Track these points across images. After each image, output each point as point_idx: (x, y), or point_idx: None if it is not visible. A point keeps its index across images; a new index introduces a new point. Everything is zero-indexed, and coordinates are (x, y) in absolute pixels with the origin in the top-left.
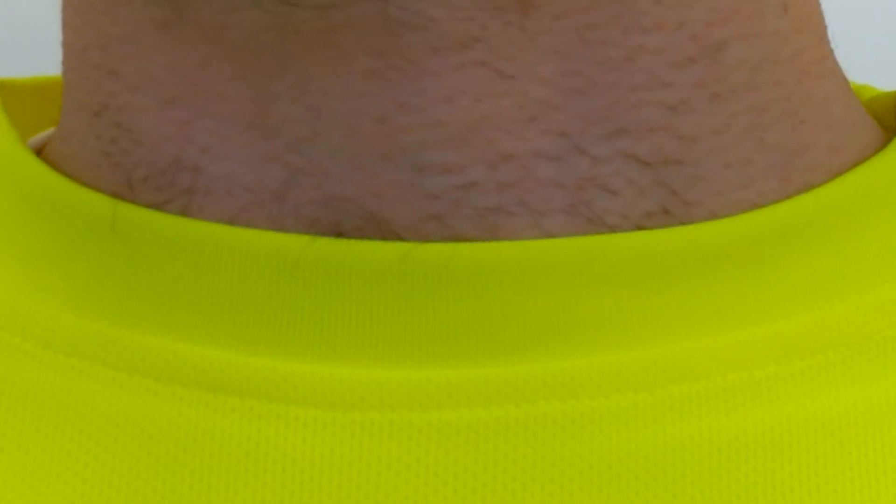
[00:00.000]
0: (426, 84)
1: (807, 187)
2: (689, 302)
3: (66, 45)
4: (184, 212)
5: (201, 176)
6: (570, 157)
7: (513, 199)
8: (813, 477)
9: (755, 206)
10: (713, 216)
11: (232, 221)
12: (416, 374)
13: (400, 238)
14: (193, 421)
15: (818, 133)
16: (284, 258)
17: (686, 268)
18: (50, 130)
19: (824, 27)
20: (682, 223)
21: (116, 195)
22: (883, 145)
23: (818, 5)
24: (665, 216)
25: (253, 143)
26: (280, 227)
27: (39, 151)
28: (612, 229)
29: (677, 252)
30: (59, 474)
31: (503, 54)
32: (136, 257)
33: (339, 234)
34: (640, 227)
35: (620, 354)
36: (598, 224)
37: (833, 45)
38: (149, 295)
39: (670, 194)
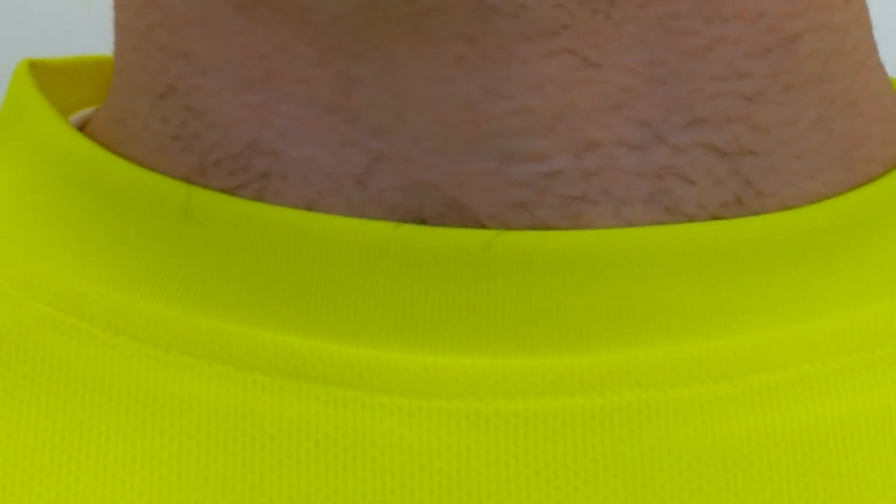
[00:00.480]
0: (515, 71)
1: (867, 179)
2: (764, 292)
3: (123, 26)
4: (258, 197)
5: (278, 160)
6: (651, 146)
7: (596, 187)
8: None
9: (822, 196)
10: (784, 206)
11: (310, 207)
12: (501, 362)
13: (482, 225)
14: (277, 409)
15: (874, 125)
16: (368, 245)
17: (761, 258)
18: (85, 111)
19: (870, 20)
20: (755, 213)
21: (185, 179)
22: None
23: None
24: (739, 206)
25: (333, 128)
26: (360, 214)
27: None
28: (690, 219)
29: (753, 242)
30: (140, 461)
31: (590, 42)
32: (211, 242)
33: (420, 220)
34: (715, 217)
35: (701, 344)
36: (675, 213)
37: None
38: (224, 281)
39: (745, 184)
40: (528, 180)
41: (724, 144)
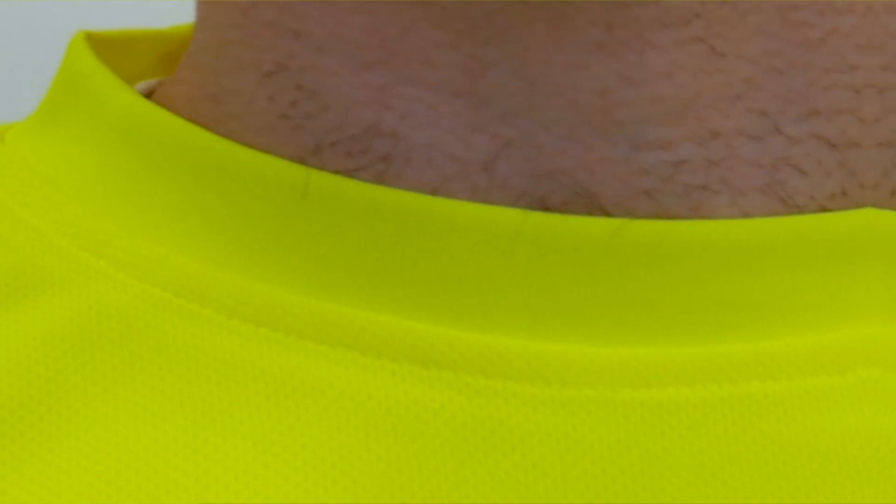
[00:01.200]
0: (649, 58)
1: None
2: (877, 285)
3: (219, 2)
4: (379, 180)
5: (401, 144)
6: (768, 136)
7: (717, 177)
8: None
9: None
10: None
11: (434, 192)
12: (628, 351)
13: (606, 212)
14: (410, 395)
15: None
16: (499, 232)
17: (873, 251)
18: (142, 85)
19: None
20: (858, 205)
21: (296, 160)
22: None
23: None
24: (844, 198)
25: (460, 112)
26: (486, 200)
27: None
28: (801, 209)
29: (864, 235)
30: (277, 445)
31: (717, 31)
32: (331, 225)
33: (545, 207)
34: (823, 208)
35: (817, 336)
36: (788, 204)
37: None
38: (345, 264)
39: (850, 176)
40: (655, 169)
41: (834, 136)
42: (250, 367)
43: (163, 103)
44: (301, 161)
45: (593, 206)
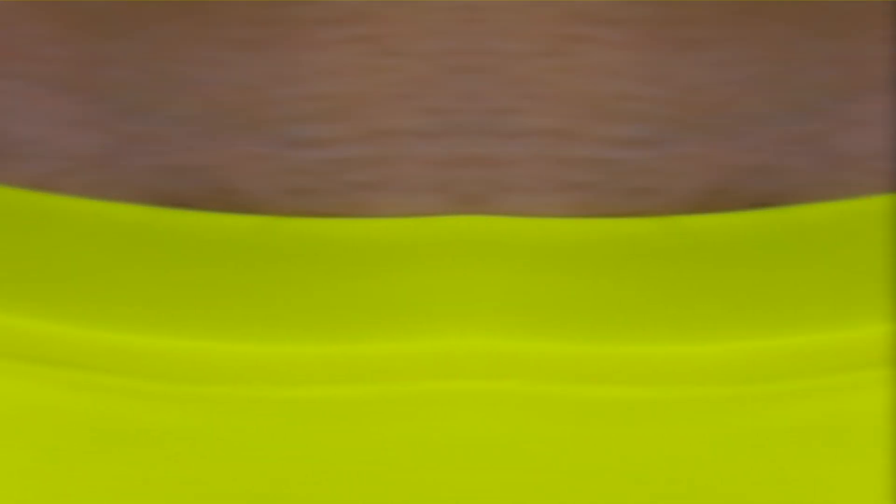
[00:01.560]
0: (308, 56)
1: None
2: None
3: None
4: None
5: (1, 139)
6: (441, 135)
7: (383, 175)
8: None
9: None
10: None
11: (41, 187)
12: (270, 349)
13: (251, 210)
14: (17, 392)
15: None
16: (120, 229)
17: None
18: None
19: None
20: None
21: None
22: None
23: None
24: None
25: (71, 108)
26: (103, 195)
27: None
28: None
29: (541, 235)
30: None
31: (390, 30)
32: None
33: (181, 204)
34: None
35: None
36: (466, 202)
37: None
38: None
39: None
40: (311, 167)
41: (523, 132)
42: None
43: None
44: None
45: (237, 203)
